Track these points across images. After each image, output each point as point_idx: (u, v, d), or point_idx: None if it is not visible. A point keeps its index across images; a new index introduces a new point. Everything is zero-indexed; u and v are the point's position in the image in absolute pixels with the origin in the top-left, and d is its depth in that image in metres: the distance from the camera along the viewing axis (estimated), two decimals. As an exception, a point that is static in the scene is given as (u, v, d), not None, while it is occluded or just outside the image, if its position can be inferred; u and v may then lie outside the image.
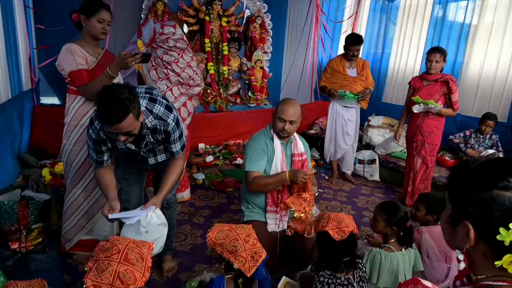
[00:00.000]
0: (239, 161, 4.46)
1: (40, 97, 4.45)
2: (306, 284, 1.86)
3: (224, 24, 5.29)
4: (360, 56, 4.06)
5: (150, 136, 1.89)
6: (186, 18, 5.08)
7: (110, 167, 1.99)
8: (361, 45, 3.87)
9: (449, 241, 0.86)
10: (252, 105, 5.48)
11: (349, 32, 6.13)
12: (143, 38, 4.66)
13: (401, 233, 1.98)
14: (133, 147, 1.91)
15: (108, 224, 2.36)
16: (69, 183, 2.32)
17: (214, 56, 5.30)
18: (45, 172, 3.31)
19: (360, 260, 1.84)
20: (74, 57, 2.11)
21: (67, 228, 2.34)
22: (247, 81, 5.64)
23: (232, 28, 5.49)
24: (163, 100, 1.91)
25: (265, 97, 5.70)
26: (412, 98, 3.42)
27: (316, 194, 2.50)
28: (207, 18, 5.14)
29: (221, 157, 4.58)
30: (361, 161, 4.37)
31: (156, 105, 1.86)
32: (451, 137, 4.22)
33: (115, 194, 1.93)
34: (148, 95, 1.87)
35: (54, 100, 4.68)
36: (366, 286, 1.81)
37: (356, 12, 6.32)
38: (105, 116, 1.60)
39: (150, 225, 1.77)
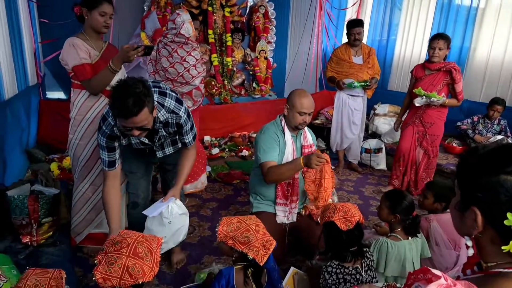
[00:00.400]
0: (244, 153, 4.46)
1: (46, 92, 4.47)
2: (314, 275, 1.87)
3: (227, 14, 5.24)
4: (364, 43, 4.01)
5: (162, 129, 1.91)
6: (189, 9, 5.04)
7: (118, 183, 1.97)
8: (362, 27, 3.80)
9: (458, 228, 0.86)
10: (257, 96, 5.45)
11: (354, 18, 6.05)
12: (146, 31, 4.66)
13: (407, 222, 1.97)
14: (146, 141, 1.92)
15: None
16: (76, 177, 2.34)
17: (217, 48, 5.26)
18: (54, 166, 3.34)
19: (367, 249, 1.85)
20: (77, 52, 2.11)
21: (76, 222, 2.37)
22: (251, 72, 5.61)
23: (235, 19, 5.44)
24: (173, 93, 1.93)
25: (270, 88, 5.67)
26: (414, 90, 3.26)
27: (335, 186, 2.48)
28: (210, 8, 5.09)
29: (226, 149, 4.58)
30: (367, 150, 4.35)
31: (167, 98, 1.87)
32: (458, 123, 4.18)
33: (118, 223, 1.91)
34: (158, 89, 1.88)
35: (60, 95, 4.69)
36: (374, 274, 1.81)
37: (361, -2, 6.23)
38: (120, 110, 1.59)
39: (172, 215, 1.85)
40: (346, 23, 3.97)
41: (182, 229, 1.90)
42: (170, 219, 1.84)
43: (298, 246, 2.46)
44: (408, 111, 3.55)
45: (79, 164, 2.29)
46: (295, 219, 2.36)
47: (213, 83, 5.18)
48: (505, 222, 0.71)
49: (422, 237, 2.03)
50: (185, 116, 1.93)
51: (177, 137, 2.09)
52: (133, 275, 1.22)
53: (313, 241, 2.19)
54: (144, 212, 1.89)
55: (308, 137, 2.44)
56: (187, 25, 2.86)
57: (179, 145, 2.15)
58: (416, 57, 5.54)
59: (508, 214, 0.71)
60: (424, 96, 3.18)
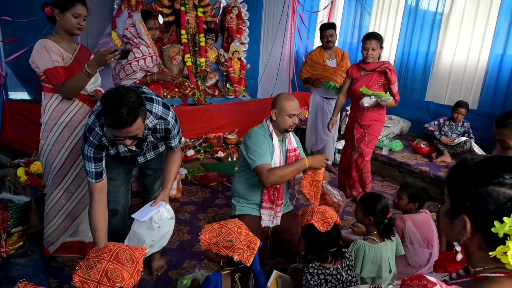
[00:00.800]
0: (220, 154, 4.45)
1: (9, 92, 4.24)
2: (297, 277, 1.90)
3: (200, 14, 5.20)
4: (336, 45, 4.11)
5: (150, 136, 1.89)
6: (161, 9, 4.95)
7: (105, 196, 1.88)
8: (334, 30, 3.90)
9: (448, 234, 0.90)
10: (231, 97, 5.44)
11: (325, 22, 6.18)
12: (118, 30, 4.52)
13: (381, 226, 2.03)
14: (135, 148, 1.89)
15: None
16: (49, 184, 2.23)
17: (191, 48, 5.20)
18: (20, 172, 3.18)
19: (346, 250, 1.90)
20: (50, 54, 2.01)
21: (50, 231, 2.26)
22: (225, 73, 5.59)
23: (209, 19, 5.41)
24: (159, 98, 1.89)
25: (243, 88, 5.68)
26: (360, 90, 3.08)
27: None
28: (182, 8, 5.03)
29: (202, 151, 4.54)
30: (340, 151, 4.45)
31: (154, 104, 1.83)
32: (426, 125, 4.36)
33: (105, 240, 1.80)
34: (144, 95, 1.82)
35: (23, 95, 4.47)
36: (354, 274, 1.87)
37: (332, 2, 6.36)
38: (115, 120, 1.53)
39: (162, 220, 1.88)
40: (318, 26, 4.06)
41: (168, 234, 1.93)
42: (160, 223, 1.86)
43: (279, 249, 2.49)
44: (345, 113, 3.58)
45: (52, 170, 2.19)
46: (279, 223, 2.39)
47: (186, 83, 5.11)
48: (493, 229, 0.76)
49: (396, 236, 2.11)
50: (173, 121, 1.91)
51: (160, 142, 2.06)
52: (111, 279, 1.20)
53: (294, 243, 2.22)
54: (134, 216, 1.87)
55: (293, 140, 2.47)
56: (138, 26, 2.92)
57: (160, 149, 2.14)
58: (385, 58, 5.71)
59: (496, 222, 0.76)
60: (372, 96, 3.05)
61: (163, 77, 3.19)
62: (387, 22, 5.67)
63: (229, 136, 4.90)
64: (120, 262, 1.24)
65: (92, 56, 2.14)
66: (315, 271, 1.76)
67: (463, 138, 4.02)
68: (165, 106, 1.89)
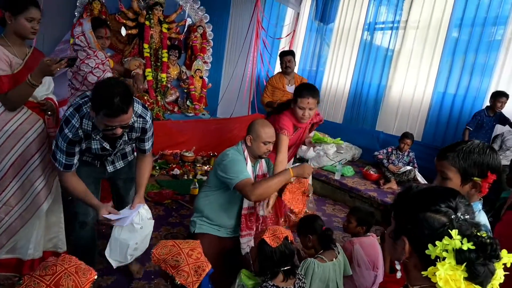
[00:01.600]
0: (176, 171, 4.38)
1: None
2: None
3: (164, 30, 5.21)
4: (296, 72, 4.29)
5: (126, 134, 1.92)
6: (124, 21, 4.91)
7: (76, 174, 1.92)
8: (292, 56, 4.09)
9: (390, 253, 0.98)
10: (190, 115, 5.43)
11: (286, 49, 6.43)
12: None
13: (321, 239, 2.15)
14: (108, 146, 1.89)
15: (33, 241, 2.17)
16: (-13, 196, 2.07)
17: (152, 62, 5.17)
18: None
19: (299, 272, 1.94)
20: None
21: (-17, 247, 2.09)
22: (185, 90, 5.59)
23: (173, 35, 5.43)
24: (137, 99, 1.93)
25: (204, 107, 5.70)
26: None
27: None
28: (147, 22, 5.02)
29: (157, 167, 4.45)
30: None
31: (134, 103, 1.84)
32: (375, 153, 4.61)
33: (96, 199, 1.92)
34: None
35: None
36: (305, 295, 1.91)
37: (294, 30, 6.65)
38: (111, 109, 1.61)
39: (143, 220, 1.91)
40: (278, 52, 4.25)
41: (149, 235, 1.94)
42: (141, 224, 1.89)
43: (238, 265, 2.46)
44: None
45: (-9, 181, 2.04)
46: (253, 244, 2.33)
47: (145, 98, 5.04)
48: (426, 251, 0.84)
49: (343, 257, 2.20)
50: (150, 121, 1.97)
51: (128, 149, 2.10)
52: None
53: (250, 262, 2.22)
54: (116, 224, 1.87)
55: (264, 166, 2.47)
56: (88, 35, 2.87)
57: (129, 158, 2.16)
58: (341, 88, 6.05)
59: (429, 245, 0.83)
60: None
61: (138, 82, 3.08)
62: (344, 54, 6.03)
63: (186, 154, 4.85)
64: None
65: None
66: (268, 290, 1.78)
67: (408, 167, 4.30)
68: (144, 106, 1.95)
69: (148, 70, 5.09)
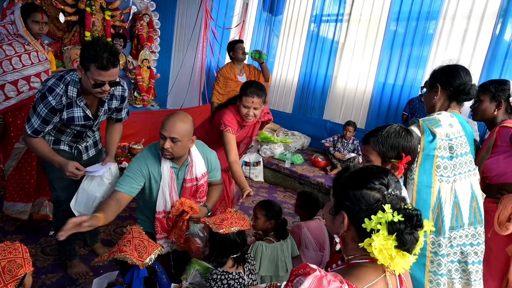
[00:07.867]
0: (124, 164, 4.24)
1: None
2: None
3: (107, 18, 4.96)
4: (246, 62, 4.32)
5: (107, 102, 2.10)
6: (62, 7, 4.61)
7: (43, 138, 2.04)
8: (243, 43, 4.15)
9: (329, 227, 1.07)
10: (138, 106, 5.27)
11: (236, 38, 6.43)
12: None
13: (279, 227, 2.24)
14: (90, 114, 2.04)
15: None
16: None
17: (96, 51, 4.92)
18: None
19: (249, 255, 2.00)
20: None
21: None
22: (132, 81, 5.40)
23: (117, 24, 5.19)
24: None
25: (152, 98, 5.55)
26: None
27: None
28: (88, 9, 4.74)
29: (104, 160, 4.28)
30: (247, 163, 4.64)
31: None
32: (322, 141, 4.82)
33: (59, 156, 2.01)
34: None
35: None
36: (255, 277, 1.97)
37: (243, 21, 6.65)
38: (101, 63, 1.77)
39: (113, 176, 2.07)
40: (228, 42, 4.24)
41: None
42: (111, 180, 2.04)
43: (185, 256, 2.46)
44: None
45: None
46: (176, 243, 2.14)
47: (89, 89, 4.80)
48: (363, 225, 0.93)
49: (291, 238, 2.31)
50: (127, 90, 2.20)
51: (98, 137, 2.29)
52: None
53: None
54: (89, 169, 2.01)
55: (197, 169, 2.06)
56: (17, 22, 2.68)
57: (99, 146, 2.37)
58: (290, 79, 6.19)
59: (366, 219, 0.92)
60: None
61: None
62: (293, 45, 6.16)
63: (135, 146, 4.71)
64: None
65: None
66: (218, 277, 1.81)
67: (352, 154, 4.55)
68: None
69: (91, 59, 4.84)
